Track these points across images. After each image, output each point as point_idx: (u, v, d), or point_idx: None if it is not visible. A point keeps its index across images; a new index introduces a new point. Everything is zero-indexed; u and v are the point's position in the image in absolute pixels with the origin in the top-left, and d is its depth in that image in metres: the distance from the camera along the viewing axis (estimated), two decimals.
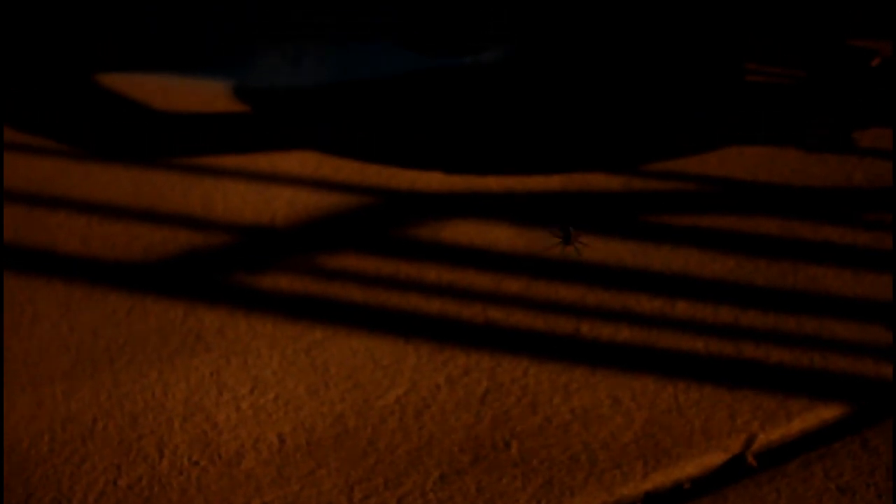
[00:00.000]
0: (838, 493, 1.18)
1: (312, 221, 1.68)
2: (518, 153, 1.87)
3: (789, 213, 1.68)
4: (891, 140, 1.89)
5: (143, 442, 1.26)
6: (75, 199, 1.73)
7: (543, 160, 1.85)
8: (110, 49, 2.19)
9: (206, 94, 2.06)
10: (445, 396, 1.32)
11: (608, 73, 2.10)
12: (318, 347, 1.40)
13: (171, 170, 1.81)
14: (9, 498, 1.17)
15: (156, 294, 1.51)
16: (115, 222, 1.67)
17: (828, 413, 1.29)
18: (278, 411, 1.30)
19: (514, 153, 1.87)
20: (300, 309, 1.47)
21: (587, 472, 1.21)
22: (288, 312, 1.47)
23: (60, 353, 1.40)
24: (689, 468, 1.22)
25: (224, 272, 1.55)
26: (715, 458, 1.23)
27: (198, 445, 1.25)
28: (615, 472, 1.21)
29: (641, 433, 1.26)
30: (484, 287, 1.52)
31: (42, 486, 1.19)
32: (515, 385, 1.34)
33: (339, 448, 1.25)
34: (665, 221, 1.67)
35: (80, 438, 1.26)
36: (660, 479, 1.21)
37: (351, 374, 1.36)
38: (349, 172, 1.81)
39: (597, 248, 1.60)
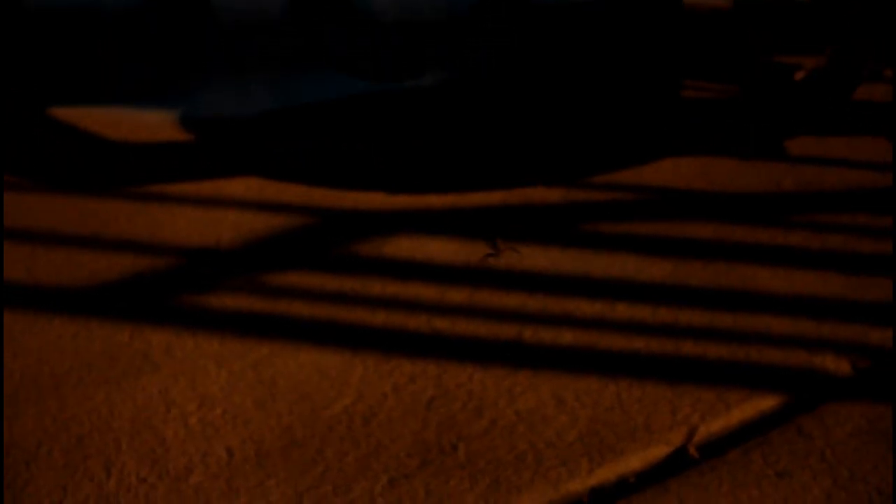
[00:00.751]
0: (776, 478, 1.21)
1: (257, 243, 1.69)
2: (459, 172, 1.91)
3: (723, 218, 1.74)
4: (816, 148, 1.97)
5: (89, 462, 1.25)
6: (20, 228, 1.73)
7: (484, 177, 1.89)
8: (63, 83, 2.20)
9: (154, 125, 2.07)
10: (392, 404, 1.34)
11: (546, 93, 2.16)
12: (265, 363, 1.41)
13: (118, 198, 1.82)
14: None
15: (101, 318, 1.51)
16: (59, 250, 1.67)
17: (764, 403, 1.33)
18: (226, 426, 1.31)
19: (455, 172, 1.91)
20: (247, 327, 1.48)
21: (533, 471, 1.23)
22: (235, 330, 1.47)
23: (3, 380, 1.38)
24: (634, 462, 1.25)
25: (170, 294, 1.56)
26: (658, 452, 1.26)
27: (146, 462, 1.25)
28: (561, 470, 1.23)
29: (586, 431, 1.29)
30: (428, 298, 1.54)
31: None
32: (461, 390, 1.36)
33: (288, 458, 1.25)
34: (603, 230, 1.72)
35: (24, 463, 1.25)
36: (605, 474, 1.23)
37: (298, 386, 1.37)
38: (293, 195, 1.83)
39: (537, 258, 1.63)
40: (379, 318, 1.50)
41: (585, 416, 1.31)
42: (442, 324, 1.49)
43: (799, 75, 2.18)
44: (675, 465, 1.25)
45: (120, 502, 1.20)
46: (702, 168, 1.91)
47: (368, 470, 1.23)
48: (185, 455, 1.26)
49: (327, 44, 2.25)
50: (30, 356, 1.43)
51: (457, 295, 1.55)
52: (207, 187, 1.86)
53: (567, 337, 1.45)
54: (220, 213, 1.77)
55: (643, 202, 1.80)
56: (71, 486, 1.22)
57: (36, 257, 1.65)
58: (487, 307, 1.52)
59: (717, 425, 1.30)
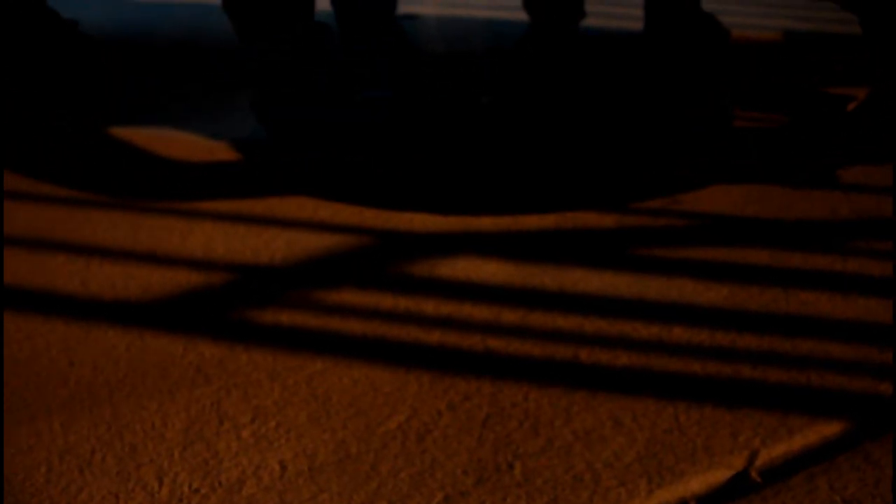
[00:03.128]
0: (844, 503, 1.17)
1: (311, 260, 1.69)
2: (511, 196, 1.91)
3: (779, 245, 1.71)
4: (873, 177, 1.94)
5: (142, 471, 1.25)
6: (76, 242, 1.75)
7: (537, 201, 1.88)
8: (119, 105, 2.24)
9: (205, 145, 2.10)
10: (447, 421, 1.32)
11: (597, 121, 2.16)
12: (318, 378, 1.40)
13: (172, 214, 1.83)
14: None
15: (155, 331, 1.51)
16: (114, 264, 1.68)
17: (828, 429, 1.30)
18: (279, 439, 1.29)
19: (507, 196, 1.91)
20: (300, 342, 1.48)
21: (591, 491, 1.20)
22: (288, 345, 1.47)
23: (59, 387, 1.39)
24: (694, 485, 1.22)
25: (224, 309, 1.56)
26: (719, 475, 1.23)
27: (198, 473, 1.24)
28: (620, 490, 1.20)
29: (644, 452, 1.26)
30: (482, 318, 1.53)
31: None
32: (517, 409, 1.34)
33: (342, 473, 1.24)
34: (658, 255, 1.70)
35: (78, 469, 1.25)
36: (665, 495, 1.20)
37: (352, 402, 1.36)
38: (346, 215, 1.83)
39: (592, 281, 1.62)
40: (433, 336, 1.49)
41: (643, 438, 1.28)
42: (496, 343, 1.47)
43: (851, 106, 2.16)
44: (736, 489, 1.21)
45: None
46: (755, 195, 1.89)
47: (423, 486, 1.21)
48: (237, 467, 1.25)
49: (380, 71, 2.28)
50: (85, 366, 1.44)
51: (511, 315, 1.53)
52: (260, 206, 1.87)
53: (623, 359, 1.43)
54: (274, 232, 1.78)
55: (697, 228, 1.78)
56: (123, 495, 1.21)
57: (91, 270, 1.67)
58: (542, 328, 1.50)
59: (779, 450, 1.26)
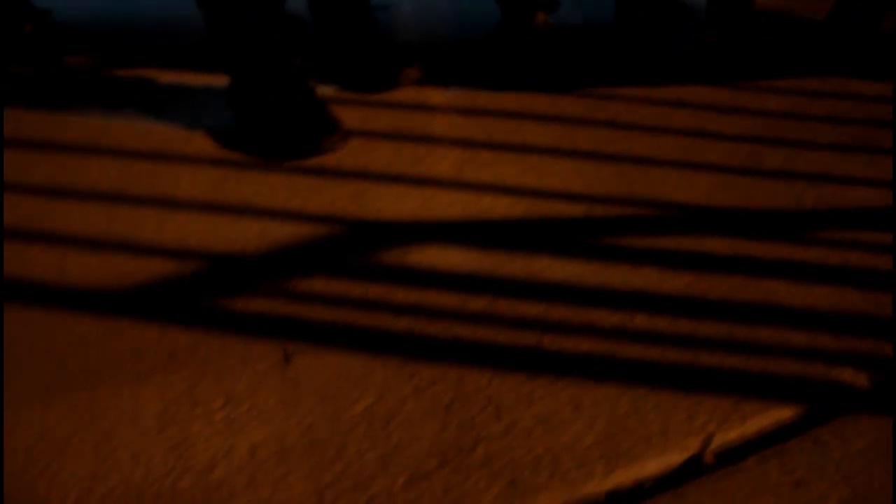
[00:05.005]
0: (793, 487, 1.22)
1: (283, 249, 1.73)
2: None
3: (741, 234, 1.75)
4: (837, 167, 1.99)
5: (117, 453, 1.28)
6: (51, 232, 1.77)
7: (507, 189, 1.92)
8: (93, 96, 2.27)
9: (182, 135, 2.13)
10: (412, 406, 1.36)
11: None
12: (289, 364, 1.44)
13: (146, 205, 1.86)
14: None
15: (130, 318, 1.54)
16: (90, 254, 1.71)
17: (781, 414, 1.35)
18: (251, 423, 1.33)
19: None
20: (271, 328, 1.52)
21: (550, 473, 1.25)
22: (260, 332, 1.51)
23: (36, 374, 1.42)
24: (650, 467, 1.27)
25: (197, 297, 1.60)
26: (674, 458, 1.28)
27: (172, 455, 1.28)
28: (578, 472, 1.25)
29: (603, 436, 1.31)
30: (449, 305, 1.57)
31: (17, 498, 1.21)
32: (480, 394, 1.38)
33: (310, 455, 1.28)
34: (624, 244, 1.74)
35: (56, 451, 1.29)
36: (621, 478, 1.25)
37: (321, 387, 1.40)
38: (316, 205, 1.86)
39: (558, 270, 1.66)
40: (402, 323, 1.53)
41: (602, 422, 1.33)
42: (463, 330, 1.51)
43: None
44: (691, 472, 1.26)
45: (146, 492, 1.23)
46: (722, 184, 1.94)
47: (388, 468, 1.26)
48: (210, 449, 1.29)
49: (353, 61, 2.31)
50: (62, 352, 1.47)
51: (478, 303, 1.57)
52: (234, 195, 1.90)
53: (586, 345, 1.48)
54: (247, 221, 1.81)
55: (661, 218, 1.82)
56: (101, 475, 1.25)
57: (68, 259, 1.69)
58: (508, 315, 1.54)
59: (733, 434, 1.31)
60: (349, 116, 2.16)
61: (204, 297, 1.59)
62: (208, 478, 1.25)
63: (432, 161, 2.03)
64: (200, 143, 2.08)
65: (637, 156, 2.05)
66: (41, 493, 1.22)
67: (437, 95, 2.32)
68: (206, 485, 1.23)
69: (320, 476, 1.25)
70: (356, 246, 1.74)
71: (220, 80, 2.14)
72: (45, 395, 1.38)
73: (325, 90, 2.23)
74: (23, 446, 1.29)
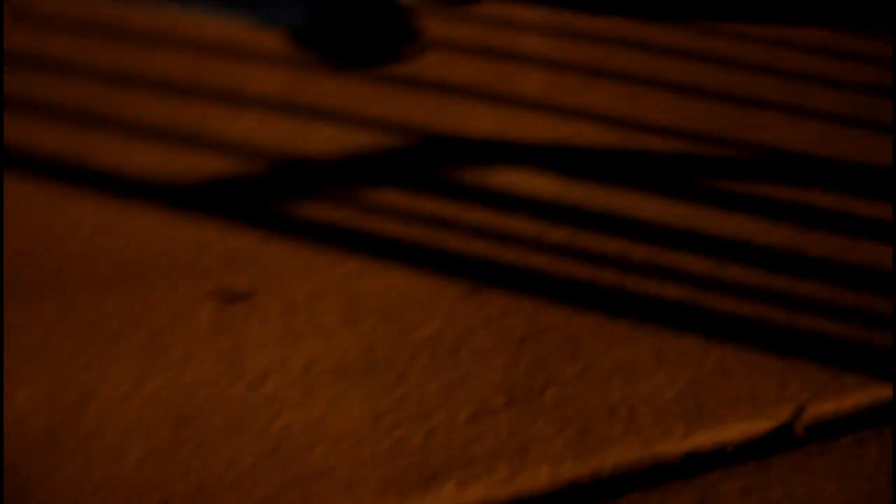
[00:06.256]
0: (894, 473, 1.11)
1: (355, 157, 1.63)
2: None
3: (849, 189, 1.61)
4: None
5: (169, 353, 1.22)
6: (116, 118, 1.70)
7: (603, 118, 1.78)
8: None
9: (247, 29, 2.02)
10: (482, 337, 1.27)
11: None
12: (353, 277, 1.36)
13: (214, 100, 1.77)
14: (34, 389, 1.14)
15: (191, 214, 1.47)
16: (155, 145, 1.63)
17: (883, 392, 1.23)
18: (308, 335, 1.26)
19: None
20: (337, 239, 1.43)
21: (625, 426, 1.15)
22: (324, 241, 1.42)
23: (95, 261, 1.36)
24: (733, 432, 1.16)
25: (262, 199, 1.51)
26: (761, 425, 1.17)
27: (223, 361, 1.21)
28: (655, 429, 1.15)
29: (685, 392, 1.20)
30: (528, 233, 1.46)
31: (66, 384, 1.16)
32: (556, 332, 1.28)
33: (368, 377, 1.20)
34: (720, 186, 1.60)
35: (106, 343, 1.22)
36: (702, 439, 1.15)
37: (385, 306, 1.31)
38: (398, 113, 1.75)
39: (647, 207, 1.53)
40: (475, 246, 1.43)
41: (686, 377, 1.22)
42: (540, 261, 1.41)
43: None
44: (778, 443, 1.15)
45: (195, 395, 1.16)
46: (827, 134, 1.78)
47: (452, 399, 1.17)
48: (263, 359, 1.22)
49: None
50: (121, 243, 1.40)
51: (557, 233, 1.46)
52: (308, 95, 1.80)
53: (672, 292, 1.36)
54: (320, 124, 1.71)
55: (762, 163, 1.68)
56: (150, 373, 1.18)
57: (132, 149, 1.62)
58: (589, 250, 1.43)
59: (828, 407, 1.20)
60: (432, 26, 2.03)
61: (269, 199, 1.50)
62: (259, 390, 1.17)
63: (518, 80, 1.90)
64: (275, 40, 1.97)
65: (739, 95, 1.90)
66: (91, 383, 1.16)
67: (524, 13, 2.17)
68: (256, 397, 1.16)
69: (378, 400, 1.17)
70: (432, 160, 1.63)
71: None
72: (101, 285, 1.31)
73: None
74: (74, 335, 1.23)
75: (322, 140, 1.66)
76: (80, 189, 1.50)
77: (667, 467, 1.11)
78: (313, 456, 1.09)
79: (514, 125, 1.74)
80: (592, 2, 2.20)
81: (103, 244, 1.39)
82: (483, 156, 1.64)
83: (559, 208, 1.52)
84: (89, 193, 1.50)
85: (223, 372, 1.19)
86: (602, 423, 1.15)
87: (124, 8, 2.07)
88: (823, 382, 1.23)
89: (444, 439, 1.12)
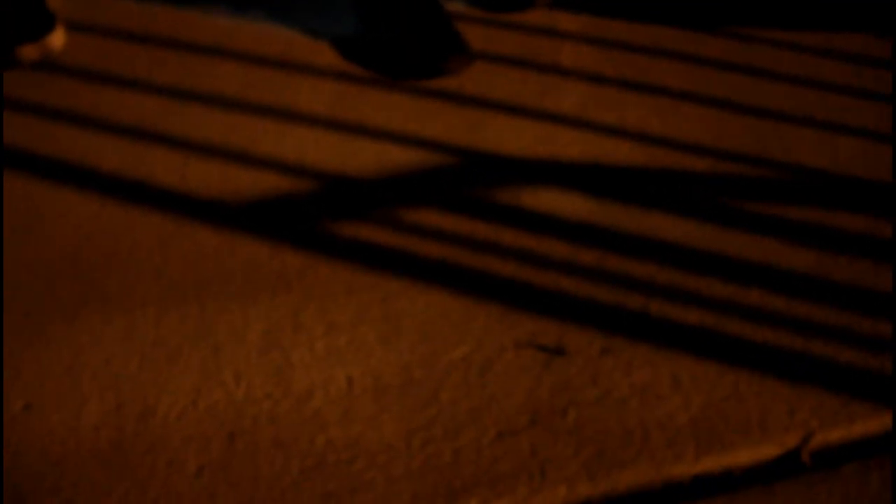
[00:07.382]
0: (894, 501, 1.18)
1: (397, 176, 1.72)
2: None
3: (880, 212, 1.65)
4: None
5: (222, 370, 1.34)
6: (173, 136, 1.81)
7: (630, 137, 1.85)
8: None
9: (296, 41, 2.11)
10: (510, 359, 1.36)
11: None
12: (392, 298, 1.46)
13: (265, 115, 1.87)
14: (104, 403, 1.27)
15: (244, 233, 1.58)
16: (210, 162, 1.75)
17: (891, 420, 1.29)
18: (349, 355, 1.37)
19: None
20: (378, 259, 1.53)
21: (639, 448, 1.24)
22: (366, 262, 1.52)
23: (153, 282, 1.48)
24: (742, 457, 1.24)
25: (310, 218, 1.62)
26: (769, 451, 1.25)
27: (272, 379, 1.33)
28: (667, 451, 1.24)
29: (698, 417, 1.28)
30: (559, 255, 1.54)
31: (130, 398, 1.29)
32: (579, 355, 1.37)
33: (404, 396, 1.31)
34: (746, 208, 1.66)
35: (166, 360, 1.35)
36: (711, 464, 1.23)
37: (421, 327, 1.41)
38: (435, 131, 1.84)
39: (672, 229, 1.60)
40: (507, 268, 1.52)
41: (699, 402, 1.30)
42: (568, 284, 1.49)
43: None
44: (784, 469, 1.23)
45: (246, 412, 1.28)
46: (861, 151, 1.81)
47: (479, 419, 1.27)
48: (308, 377, 1.33)
49: None
50: (178, 262, 1.52)
51: (587, 256, 1.54)
52: (354, 112, 1.89)
53: (693, 316, 1.44)
54: (364, 143, 1.81)
55: (790, 183, 1.73)
56: (205, 390, 1.31)
57: (189, 166, 1.73)
58: (616, 273, 1.51)
59: (836, 435, 1.27)
60: (475, 36, 2.09)
61: (317, 218, 1.61)
62: (305, 406, 1.29)
63: (557, 95, 1.96)
64: (324, 52, 2.06)
65: (773, 109, 1.94)
66: (153, 398, 1.29)
67: (568, 21, 2.23)
68: (303, 413, 1.28)
69: (412, 419, 1.27)
70: (469, 179, 1.71)
71: None
72: (160, 303, 1.44)
73: (454, 5, 2.17)
74: (138, 352, 1.36)
75: (365, 158, 1.76)
76: (141, 208, 1.63)
77: (676, 490, 1.20)
78: (353, 470, 1.21)
79: (551, 143, 1.81)
80: (634, 9, 2.25)
81: (162, 265, 1.51)
82: (519, 175, 1.72)
83: (590, 230, 1.60)
84: (149, 212, 1.62)
85: (272, 389, 1.31)
86: (618, 446, 1.24)
87: (178, 17, 2.18)
88: (833, 409, 1.29)
89: (470, 457, 1.22)
